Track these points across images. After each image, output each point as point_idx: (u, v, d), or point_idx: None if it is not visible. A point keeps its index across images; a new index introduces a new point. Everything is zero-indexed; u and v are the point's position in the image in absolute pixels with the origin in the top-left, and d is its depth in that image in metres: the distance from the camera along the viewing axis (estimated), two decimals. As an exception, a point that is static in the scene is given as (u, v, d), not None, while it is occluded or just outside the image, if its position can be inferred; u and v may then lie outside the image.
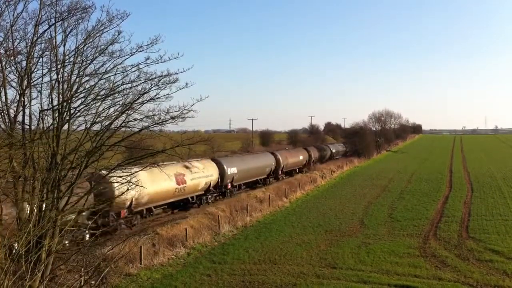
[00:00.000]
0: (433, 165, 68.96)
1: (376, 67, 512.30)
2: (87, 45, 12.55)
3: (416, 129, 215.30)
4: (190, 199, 32.07)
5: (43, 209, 11.47)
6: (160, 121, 12.96)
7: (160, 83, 12.81)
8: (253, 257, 21.18)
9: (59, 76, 12.22)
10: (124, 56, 12.67)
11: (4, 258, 9.05)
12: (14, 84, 12.17)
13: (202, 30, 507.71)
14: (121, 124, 12.85)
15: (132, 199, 25.02)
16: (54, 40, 12.33)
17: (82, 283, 13.61)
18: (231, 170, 37.03)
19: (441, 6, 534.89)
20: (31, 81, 12.12)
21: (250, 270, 19.27)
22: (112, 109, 12.84)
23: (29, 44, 12.07)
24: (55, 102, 12.19)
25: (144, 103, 12.85)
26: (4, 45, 11.95)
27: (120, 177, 13.67)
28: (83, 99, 12.49)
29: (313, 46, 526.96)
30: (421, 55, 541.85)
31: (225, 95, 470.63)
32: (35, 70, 12.27)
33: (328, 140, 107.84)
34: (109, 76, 12.79)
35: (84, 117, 12.62)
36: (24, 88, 11.94)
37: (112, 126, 12.79)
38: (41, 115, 12.10)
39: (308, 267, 19.45)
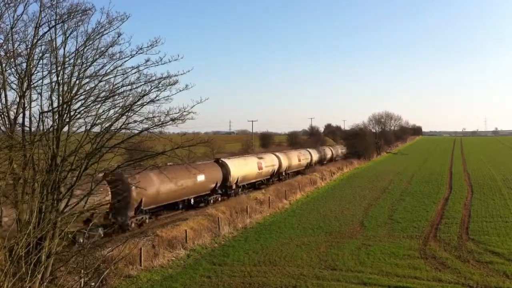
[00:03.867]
0: (433, 167, 68.94)
1: (376, 69, 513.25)
2: (87, 47, 12.56)
3: (416, 130, 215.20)
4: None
5: (43, 210, 11.47)
6: (160, 123, 12.96)
7: (160, 85, 12.83)
8: (253, 258, 21.17)
9: (59, 78, 12.23)
10: (124, 58, 12.70)
11: (4, 260, 9.06)
12: (14, 86, 12.20)
13: (202, 32, 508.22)
14: (121, 126, 12.86)
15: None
16: (54, 42, 12.34)
17: (82, 285, 13.63)
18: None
19: (441, 7, 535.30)
20: (31, 83, 12.13)
21: (250, 271, 19.26)
22: (112, 111, 12.86)
23: (29, 46, 12.09)
24: (55, 104, 12.20)
25: (144, 105, 12.88)
26: (4, 47, 11.97)
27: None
28: (83, 101, 12.51)
29: (313, 48, 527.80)
30: (420, 57, 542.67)
31: (225, 97, 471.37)
32: (35, 72, 12.29)
33: (328, 142, 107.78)
34: (109, 78, 12.81)
35: (84, 119, 12.64)
36: (24, 90, 11.95)
37: (112, 128, 12.80)
38: (41, 117, 12.11)
39: (308, 269, 19.44)
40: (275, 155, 50.46)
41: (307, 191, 43.01)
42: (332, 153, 74.41)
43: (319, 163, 65.54)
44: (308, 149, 65.16)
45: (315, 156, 64.65)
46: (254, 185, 44.67)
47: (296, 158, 56.35)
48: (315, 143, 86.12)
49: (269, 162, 47.15)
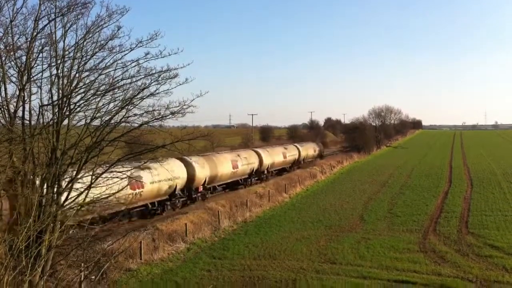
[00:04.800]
0: (433, 161, 68.97)
1: (376, 62, 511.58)
2: (87, 40, 12.48)
3: (416, 124, 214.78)
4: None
5: (43, 204, 11.48)
6: (160, 116, 12.92)
7: (160, 78, 12.75)
8: (253, 252, 21.22)
9: (59, 71, 12.18)
10: (124, 51, 12.60)
11: (4, 254, 9.07)
12: (14, 79, 12.13)
13: (202, 25, 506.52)
14: (121, 119, 12.82)
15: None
16: (54, 35, 12.26)
17: (82, 278, 13.68)
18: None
19: (441, 3, 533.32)
20: (31, 76, 12.08)
21: (250, 265, 19.32)
22: (112, 104, 12.80)
23: (29, 39, 12.02)
24: (55, 97, 12.15)
25: (144, 98, 12.82)
26: (4, 40, 11.90)
27: (121, 172, 13.65)
28: (83, 94, 12.45)
29: (313, 41, 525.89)
30: (421, 51, 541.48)
31: (225, 90, 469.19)
32: (35, 66, 12.22)
33: (328, 135, 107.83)
34: (109, 71, 12.73)
35: (84, 112, 12.58)
36: (24, 83, 11.90)
37: (112, 121, 12.76)
38: (41, 110, 12.07)
39: (308, 263, 19.50)
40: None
41: (306, 184, 43.07)
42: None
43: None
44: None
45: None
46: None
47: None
48: (315, 137, 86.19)
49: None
